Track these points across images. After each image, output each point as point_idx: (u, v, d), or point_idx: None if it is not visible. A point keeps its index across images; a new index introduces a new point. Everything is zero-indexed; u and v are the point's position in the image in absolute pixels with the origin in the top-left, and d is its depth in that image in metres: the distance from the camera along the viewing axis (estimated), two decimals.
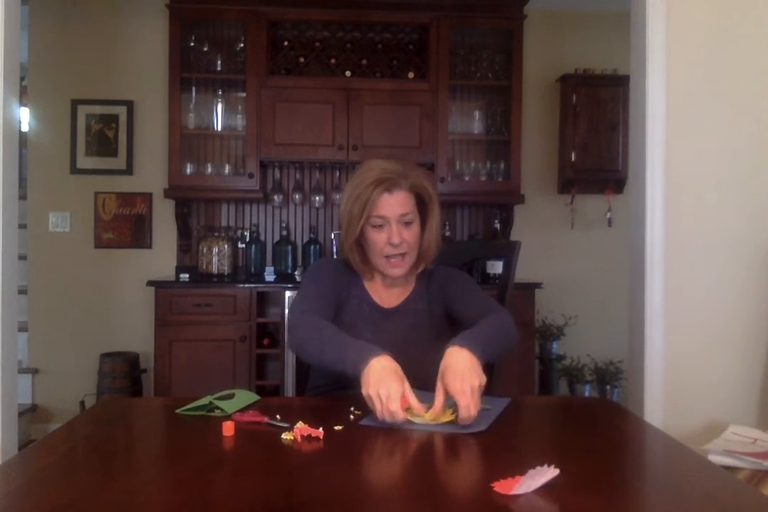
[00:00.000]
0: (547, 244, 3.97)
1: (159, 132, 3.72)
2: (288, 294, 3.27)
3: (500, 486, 0.91)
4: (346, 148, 3.55)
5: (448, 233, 3.79)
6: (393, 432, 1.19)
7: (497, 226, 3.84)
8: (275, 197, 3.78)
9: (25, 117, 3.74)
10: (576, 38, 3.99)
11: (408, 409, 1.25)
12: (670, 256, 2.56)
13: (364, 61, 3.66)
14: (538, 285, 3.41)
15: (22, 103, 2.76)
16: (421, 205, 1.61)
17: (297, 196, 3.83)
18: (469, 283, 1.69)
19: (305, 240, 3.85)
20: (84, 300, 3.80)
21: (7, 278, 2.34)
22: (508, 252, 1.85)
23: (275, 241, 3.83)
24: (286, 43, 3.65)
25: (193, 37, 3.62)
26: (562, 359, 3.91)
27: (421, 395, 1.38)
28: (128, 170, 3.83)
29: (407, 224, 1.57)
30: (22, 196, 3.31)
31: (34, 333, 3.80)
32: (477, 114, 3.80)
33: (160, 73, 3.69)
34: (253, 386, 3.28)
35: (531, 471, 0.93)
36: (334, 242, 3.71)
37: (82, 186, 3.81)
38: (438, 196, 1.64)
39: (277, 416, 1.24)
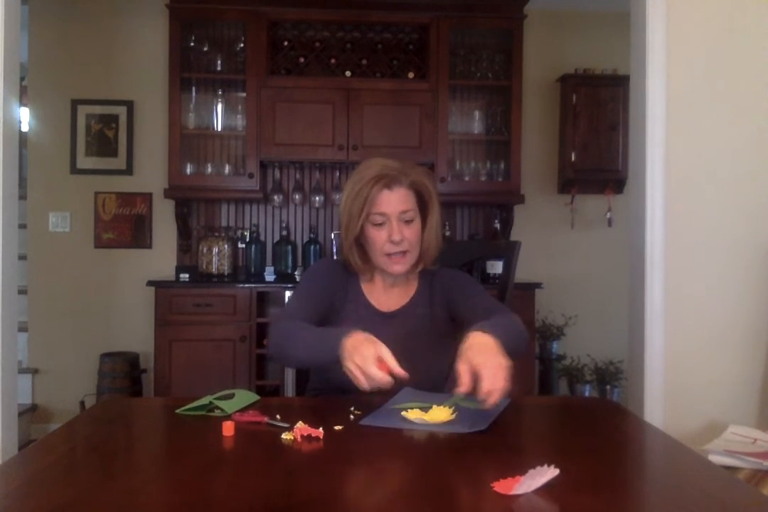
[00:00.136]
0: (547, 244, 3.97)
1: (159, 132, 3.72)
2: (288, 294, 3.28)
3: (500, 486, 0.91)
4: (346, 148, 3.55)
5: (448, 233, 3.79)
6: (393, 432, 1.19)
7: (497, 226, 3.84)
8: (275, 197, 3.78)
9: (25, 117, 3.74)
10: (576, 38, 3.99)
11: (408, 409, 1.26)
12: (670, 256, 2.56)
13: (364, 61, 3.66)
14: (538, 285, 3.41)
15: (22, 103, 2.76)
16: (422, 204, 1.60)
17: (297, 196, 3.83)
18: (474, 285, 1.66)
19: (305, 240, 3.85)
20: (84, 300, 3.80)
21: (7, 278, 2.34)
22: (508, 252, 1.85)
23: (275, 241, 3.83)
24: (286, 43, 3.65)
25: (193, 37, 3.62)
26: (562, 359, 3.91)
27: (422, 395, 1.38)
28: (128, 170, 3.83)
29: (408, 222, 1.55)
30: (22, 196, 3.32)
31: (34, 333, 3.80)
32: (477, 114, 3.80)
33: (160, 73, 3.69)
34: (253, 386, 3.28)
35: (531, 471, 0.93)
36: (334, 242, 3.71)
37: (82, 186, 3.81)
38: (438, 195, 1.62)
39: (277, 416, 1.24)
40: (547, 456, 1.00)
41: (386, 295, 1.65)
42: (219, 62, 3.64)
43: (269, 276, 3.56)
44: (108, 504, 0.87)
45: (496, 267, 3.51)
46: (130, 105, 3.82)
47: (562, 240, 4.01)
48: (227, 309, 3.31)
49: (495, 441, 1.15)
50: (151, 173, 3.81)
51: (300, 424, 1.16)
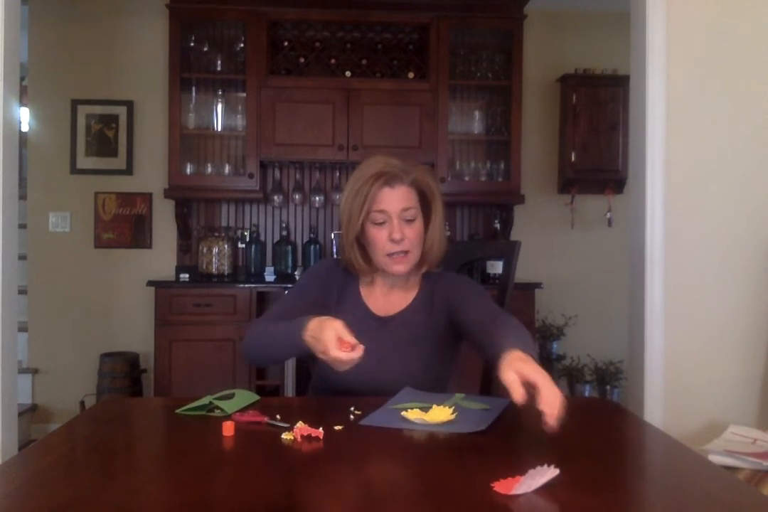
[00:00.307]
0: (547, 244, 3.97)
1: (159, 132, 3.72)
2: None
3: (500, 486, 0.91)
4: (346, 148, 3.56)
5: (448, 233, 3.79)
6: (393, 432, 1.19)
7: (497, 226, 3.84)
8: (275, 197, 3.78)
9: (25, 117, 3.74)
10: (576, 38, 3.99)
11: (408, 409, 1.25)
12: (670, 256, 2.56)
13: (364, 61, 3.66)
14: (538, 285, 3.41)
15: (22, 103, 2.76)
16: (424, 203, 1.56)
17: (297, 196, 3.83)
18: (476, 290, 1.58)
19: (305, 240, 3.86)
20: (84, 300, 3.81)
21: (7, 278, 2.34)
22: (508, 252, 1.85)
23: (275, 241, 3.83)
24: (286, 43, 3.65)
25: (193, 37, 3.62)
26: (562, 359, 3.91)
27: (422, 396, 1.38)
28: (128, 170, 3.83)
29: (409, 221, 1.52)
30: (22, 196, 3.32)
31: (34, 333, 3.80)
32: (477, 114, 3.80)
33: (160, 73, 3.69)
34: (253, 386, 3.28)
35: (531, 471, 0.93)
36: (334, 242, 3.71)
37: (82, 186, 3.81)
38: (441, 194, 1.59)
39: (277, 416, 1.24)
40: (547, 456, 1.00)
41: (385, 299, 1.62)
42: (219, 62, 3.64)
43: (269, 276, 3.56)
44: (108, 504, 0.87)
45: (496, 267, 3.51)
46: (130, 105, 3.82)
47: (562, 240, 4.01)
48: (227, 309, 3.31)
49: (495, 441, 1.15)
50: (151, 173, 3.81)
51: (300, 424, 1.16)
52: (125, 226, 3.83)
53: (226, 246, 3.67)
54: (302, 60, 3.64)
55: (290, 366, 3.25)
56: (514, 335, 1.28)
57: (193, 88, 3.66)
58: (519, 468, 0.94)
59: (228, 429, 1.17)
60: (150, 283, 3.35)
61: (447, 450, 1.12)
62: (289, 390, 3.26)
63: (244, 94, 3.60)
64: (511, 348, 1.17)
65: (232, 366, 3.27)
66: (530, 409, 1.21)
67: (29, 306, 3.78)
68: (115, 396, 3.39)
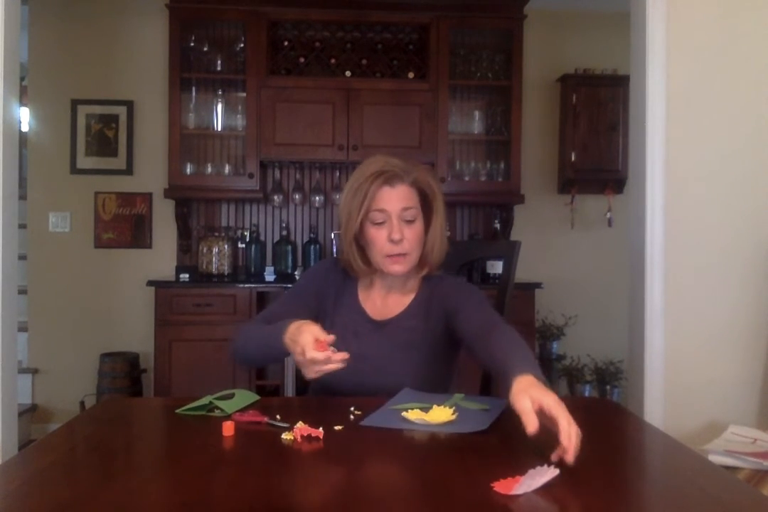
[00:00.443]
0: (547, 244, 3.97)
1: (159, 132, 3.72)
2: None
3: (500, 486, 0.91)
4: (346, 148, 3.56)
5: (448, 233, 3.79)
6: (393, 432, 1.19)
7: (497, 226, 3.84)
8: (275, 197, 3.78)
9: (25, 117, 3.74)
10: (576, 38, 3.99)
11: (408, 409, 1.25)
12: (670, 256, 2.56)
13: (364, 61, 3.66)
14: (538, 285, 3.41)
15: (22, 103, 2.76)
16: (425, 204, 1.53)
17: (297, 196, 3.83)
18: (476, 297, 1.52)
19: (305, 240, 3.86)
20: (84, 300, 3.81)
21: (7, 278, 2.34)
22: (508, 252, 1.85)
23: (275, 241, 3.83)
24: (286, 43, 3.65)
25: (193, 37, 3.62)
26: (562, 359, 3.91)
27: (421, 396, 1.38)
28: (128, 170, 3.83)
29: (409, 222, 1.49)
30: (22, 196, 3.31)
31: (34, 333, 3.80)
32: (477, 114, 3.80)
33: (160, 73, 3.69)
34: (253, 386, 3.28)
35: (531, 471, 0.93)
36: (334, 242, 3.71)
37: (82, 186, 3.81)
38: (443, 195, 1.56)
39: (277, 416, 1.24)
40: (547, 456, 1.00)
41: (382, 302, 1.59)
42: (219, 62, 3.64)
43: (269, 276, 3.56)
44: (108, 504, 0.87)
45: (496, 267, 3.51)
46: (130, 105, 3.82)
47: (562, 240, 4.01)
48: (227, 309, 3.31)
49: (495, 441, 1.14)
50: (151, 173, 3.81)
51: (300, 424, 1.16)
52: (125, 226, 3.83)
53: (226, 246, 3.67)
54: (302, 60, 3.64)
55: (290, 366, 3.25)
56: (520, 354, 1.23)
57: (193, 88, 3.66)
58: (519, 468, 0.94)
59: (228, 429, 1.17)
60: (150, 283, 3.35)
61: (447, 450, 1.12)
62: (289, 390, 3.26)
63: (244, 94, 3.60)
64: (522, 372, 1.12)
65: (232, 366, 3.27)
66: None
67: (29, 306, 3.78)
68: (115, 396, 3.39)
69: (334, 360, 1.23)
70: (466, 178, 3.71)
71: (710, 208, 2.57)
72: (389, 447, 1.13)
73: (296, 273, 3.67)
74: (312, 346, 1.22)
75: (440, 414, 1.22)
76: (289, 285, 3.30)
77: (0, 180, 2.28)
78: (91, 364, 3.64)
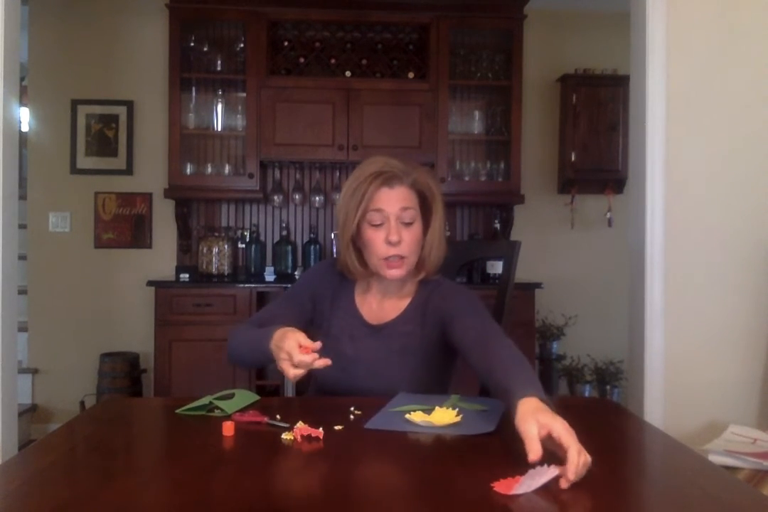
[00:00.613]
0: (547, 244, 3.97)
1: (159, 132, 3.72)
2: None
3: (500, 486, 0.91)
4: (346, 148, 3.56)
5: (448, 233, 3.80)
6: (393, 432, 1.19)
7: (497, 226, 3.84)
8: (275, 197, 3.78)
9: (25, 117, 3.74)
10: (576, 38, 3.99)
11: (411, 411, 1.25)
12: (670, 256, 2.56)
13: (364, 61, 3.66)
14: (538, 285, 3.41)
15: (22, 103, 2.76)
16: (424, 206, 1.51)
17: (297, 196, 3.83)
18: (473, 304, 1.49)
19: (305, 240, 3.85)
20: (84, 300, 3.81)
21: (7, 278, 2.34)
22: (508, 252, 1.85)
23: (275, 241, 3.83)
24: (286, 43, 3.65)
25: (193, 37, 3.62)
26: (562, 359, 3.91)
27: (419, 398, 1.38)
28: (128, 170, 3.83)
29: (407, 225, 1.47)
30: (22, 196, 3.31)
31: (34, 333, 3.80)
32: (477, 114, 3.80)
33: (160, 73, 3.69)
34: (253, 386, 3.28)
35: (531, 471, 0.93)
36: (334, 242, 3.71)
37: (82, 186, 3.81)
38: (442, 197, 1.54)
39: (277, 416, 1.24)
40: (547, 456, 1.00)
41: (378, 306, 1.58)
42: (219, 62, 3.64)
43: (269, 276, 3.56)
44: (108, 504, 0.87)
45: (496, 267, 3.51)
46: (130, 105, 3.82)
47: (562, 240, 4.01)
48: (227, 309, 3.31)
49: (495, 441, 1.14)
50: (151, 173, 3.81)
51: (300, 424, 1.16)
52: (125, 226, 3.83)
53: (226, 246, 3.67)
54: (302, 60, 3.64)
55: None
56: (522, 372, 1.19)
57: (193, 88, 3.66)
58: (519, 468, 0.94)
59: (228, 429, 1.17)
60: (150, 283, 3.35)
61: (447, 451, 1.12)
62: (289, 390, 3.26)
63: (244, 94, 3.60)
64: (526, 394, 1.08)
65: (232, 366, 3.27)
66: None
67: (29, 306, 3.78)
68: (115, 396, 3.39)
69: (318, 364, 1.24)
70: (466, 178, 3.71)
71: (710, 208, 2.57)
72: (389, 447, 1.13)
73: (296, 273, 3.67)
74: (297, 351, 1.23)
75: (444, 416, 1.22)
76: (289, 286, 3.31)
77: (0, 180, 2.28)
78: (91, 364, 3.64)
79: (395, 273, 1.49)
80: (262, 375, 3.43)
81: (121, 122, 3.82)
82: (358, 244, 1.52)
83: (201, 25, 3.66)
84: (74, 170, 3.81)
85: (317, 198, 3.83)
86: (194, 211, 3.83)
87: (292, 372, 1.25)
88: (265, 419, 1.23)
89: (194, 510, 0.86)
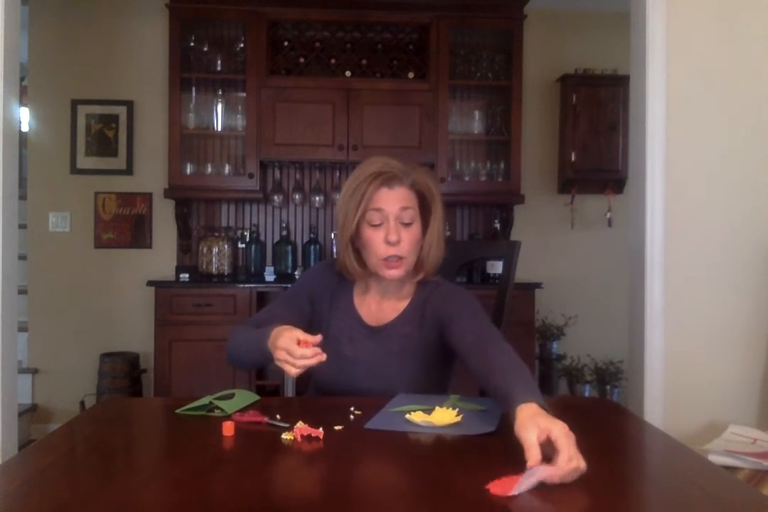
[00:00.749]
0: (547, 244, 3.97)
1: (159, 132, 3.72)
2: None
3: (495, 488, 0.90)
4: (346, 148, 3.56)
5: (448, 233, 3.80)
6: (393, 432, 1.19)
7: (497, 226, 3.84)
8: (275, 197, 3.78)
9: (25, 117, 3.74)
10: (576, 38, 3.99)
11: (411, 411, 1.25)
12: (670, 256, 2.56)
13: (364, 61, 3.66)
14: (538, 285, 3.41)
15: (22, 103, 2.76)
16: (423, 207, 1.51)
17: (297, 196, 3.83)
18: (471, 307, 1.49)
19: (305, 240, 3.85)
20: (84, 300, 3.80)
21: (7, 278, 2.34)
22: (508, 252, 1.85)
23: (275, 241, 3.83)
24: (286, 43, 3.65)
25: (193, 37, 3.62)
26: (562, 359, 3.91)
27: (418, 399, 1.38)
28: (128, 170, 3.83)
29: (406, 225, 1.47)
30: (22, 196, 3.31)
31: (34, 333, 3.80)
32: (477, 114, 3.80)
33: (160, 73, 3.69)
34: (253, 386, 3.28)
35: (528, 471, 0.92)
36: (334, 242, 3.71)
37: (82, 186, 3.81)
38: (442, 198, 1.54)
39: (277, 416, 1.24)
40: (548, 456, 0.99)
41: (377, 307, 1.57)
42: (219, 62, 3.64)
43: (269, 276, 3.56)
44: (108, 504, 0.87)
45: (496, 267, 3.51)
46: (130, 105, 3.82)
47: (562, 240, 4.01)
48: (227, 309, 3.31)
49: (495, 441, 1.14)
50: (151, 173, 3.81)
51: (300, 424, 1.16)
52: (125, 226, 3.83)
53: (226, 246, 3.67)
54: (302, 60, 3.64)
55: None
56: (521, 378, 1.18)
57: (193, 88, 3.66)
58: (519, 468, 0.94)
59: (228, 429, 1.17)
60: (150, 283, 3.35)
61: (446, 451, 1.12)
62: (289, 390, 3.26)
63: (244, 94, 3.60)
64: (525, 400, 1.08)
65: (232, 366, 3.27)
66: None
67: (29, 306, 3.78)
68: (115, 396, 3.39)
69: (318, 358, 1.24)
70: (466, 178, 3.71)
71: (710, 208, 2.57)
72: (389, 447, 1.13)
73: (296, 273, 3.67)
74: (295, 347, 1.24)
75: (444, 416, 1.22)
76: (289, 286, 3.31)
77: (0, 180, 2.28)
78: (91, 364, 3.64)
79: (394, 273, 1.49)
80: (262, 375, 3.43)
81: (121, 122, 3.82)
82: (357, 244, 1.52)
83: (201, 25, 3.66)
84: (74, 170, 3.81)
85: (317, 198, 3.84)
86: (194, 211, 3.83)
87: (292, 369, 1.25)
88: (265, 419, 1.23)
89: (194, 510, 0.86)
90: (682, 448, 1.14)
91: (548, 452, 0.97)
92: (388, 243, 1.46)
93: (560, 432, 0.97)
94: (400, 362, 1.52)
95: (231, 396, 1.36)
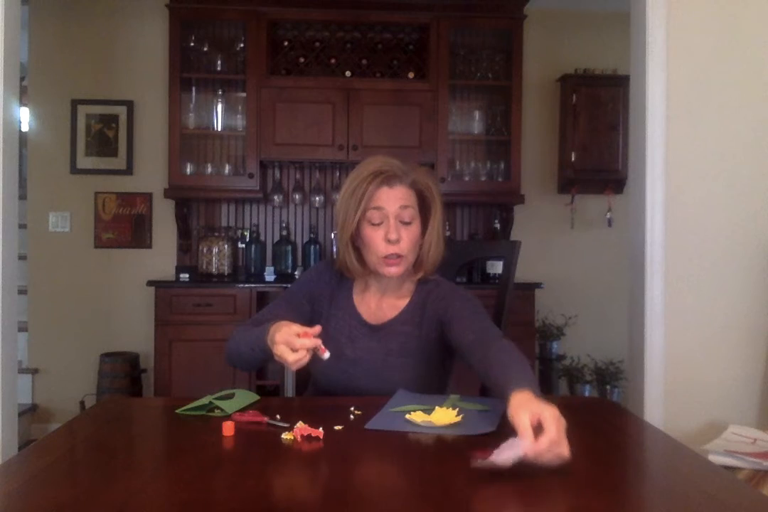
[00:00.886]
0: (547, 244, 3.97)
1: (159, 132, 3.72)
2: None
3: (478, 454, 0.95)
4: (346, 148, 3.56)
5: (448, 233, 3.80)
6: (393, 432, 1.19)
7: (497, 226, 3.84)
8: (275, 197, 3.78)
9: (25, 117, 3.74)
10: (576, 38, 3.99)
11: (411, 411, 1.25)
12: (670, 256, 2.56)
13: (364, 61, 3.66)
14: (538, 285, 3.41)
15: (22, 103, 2.76)
16: (423, 206, 1.52)
17: (297, 196, 3.83)
18: (471, 306, 1.49)
19: (305, 240, 3.86)
20: (84, 300, 3.81)
21: (7, 278, 2.34)
22: (508, 252, 1.85)
23: (275, 241, 3.83)
24: (286, 43, 3.65)
25: (193, 37, 3.62)
26: (562, 359, 3.91)
27: (417, 398, 1.38)
28: (128, 170, 3.83)
29: (406, 224, 1.48)
30: (22, 196, 3.31)
31: (34, 333, 3.80)
32: (477, 114, 3.80)
33: (160, 73, 3.69)
34: (253, 386, 3.28)
35: (504, 444, 0.96)
36: (334, 242, 3.71)
37: (82, 186, 3.81)
38: (442, 197, 1.54)
39: (277, 416, 1.24)
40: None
41: (377, 306, 1.58)
42: (219, 62, 3.64)
43: (269, 276, 3.56)
44: (108, 504, 0.87)
45: (496, 267, 3.51)
46: (130, 105, 3.82)
47: (562, 240, 4.01)
48: (227, 309, 3.31)
49: (495, 441, 1.14)
50: (151, 173, 3.81)
51: (300, 424, 1.16)
52: (125, 226, 3.83)
53: (226, 246, 3.67)
54: (302, 60, 3.64)
55: None
56: (518, 370, 1.20)
57: (193, 88, 3.66)
58: (518, 468, 0.94)
59: (228, 429, 1.17)
60: (150, 283, 3.35)
61: (446, 450, 1.12)
62: (289, 390, 3.26)
63: (244, 94, 3.60)
64: (520, 387, 1.09)
65: (231, 367, 3.27)
66: None
67: (29, 306, 3.78)
68: (115, 396, 3.39)
69: (315, 342, 1.24)
70: (466, 178, 3.71)
71: (710, 208, 2.57)
72: (389, 447, 1.13)
73: (296, 273, 3.67)
74: (295, 339, 1.24)
75: (444, 416, 1.22)
76: (289, 286, 3.31)
77: (0, 180, 2.28)
78: (91, 364, 3.64)
79: (393, 270, 1.49)
80: (262, 375, 3.43)
81: (121, 122, 3.82)
82: (357, 243, 1.53)
83: (201, 25, 3.66)
84: (74, 170, 3.81)
85: (317, 198, 3.84)
86: (194, 210, 3.83)
87: (292, 358, 1.24)
88: (265, 419, 1.23)
89: (194, 510, 0.86)
90: (682, 448, 1.14)
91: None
92: (388, 241, 1.47)
93: (550, 416, 0.99)
94: (400, 361, 1.52)
95: (231, 396, 1.36)
